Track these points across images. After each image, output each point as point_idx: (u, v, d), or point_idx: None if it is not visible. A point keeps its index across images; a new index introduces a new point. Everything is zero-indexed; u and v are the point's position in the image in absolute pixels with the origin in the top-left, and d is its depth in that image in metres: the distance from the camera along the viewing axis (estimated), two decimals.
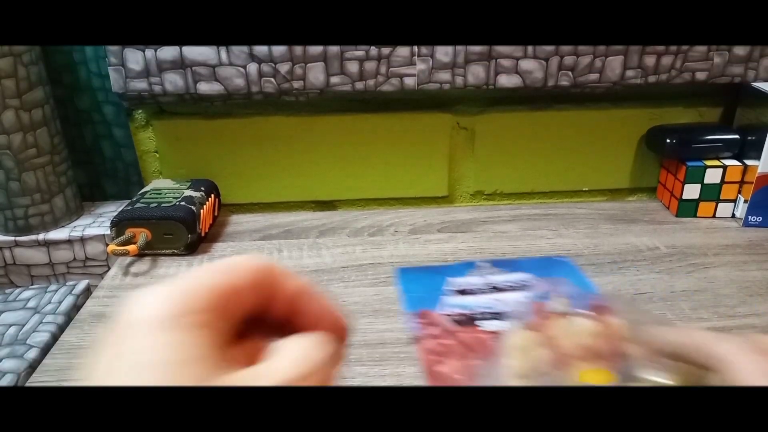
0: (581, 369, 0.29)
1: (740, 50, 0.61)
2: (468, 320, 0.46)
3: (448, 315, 0.47)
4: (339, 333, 0.22)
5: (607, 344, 0.30)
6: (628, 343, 0.30)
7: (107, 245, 0.55)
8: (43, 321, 0.52)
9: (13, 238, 0.59)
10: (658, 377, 0.28)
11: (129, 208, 0.57)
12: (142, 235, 0.55)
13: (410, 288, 0.51)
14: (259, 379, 0.18)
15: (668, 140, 0.62)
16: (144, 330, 0.18)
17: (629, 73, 0.61)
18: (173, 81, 0.59)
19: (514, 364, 0.30)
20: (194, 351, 0.18)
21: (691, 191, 0.62)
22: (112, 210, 0.64)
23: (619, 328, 0.31)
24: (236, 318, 0.20)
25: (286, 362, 0.19)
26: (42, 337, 0.49)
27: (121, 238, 0.55)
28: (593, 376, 0.29)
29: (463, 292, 0.50)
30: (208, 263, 0.22)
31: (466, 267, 0.54)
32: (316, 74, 0.59)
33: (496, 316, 0.46)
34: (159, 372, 0.17)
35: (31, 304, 0.55)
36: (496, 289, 0.50)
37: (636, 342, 0.30)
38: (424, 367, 0.42)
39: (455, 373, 0.41)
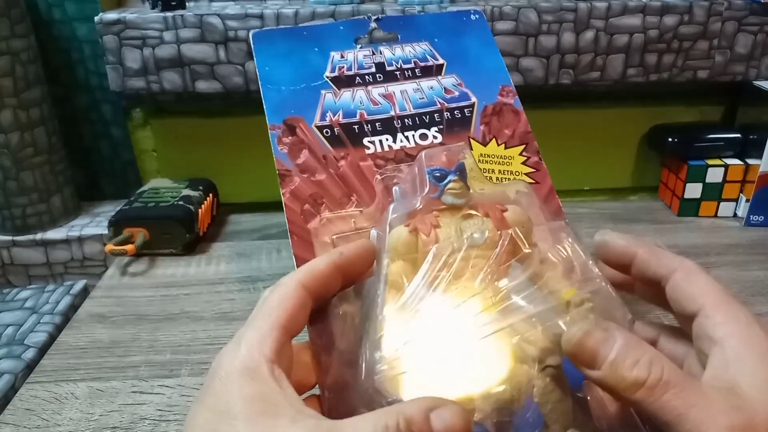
0: (464, 288, 0.23)
1: (742, 48, 0.61)
2: (352, 135, 0.31)
3: (325, 126, 0.31)
4: None
5: (504, 248, 0.23)
6: (526, 243, 0.24)
7: (105, 245, 0.55)
8: (41, 321, 0.51)
9: (10, 238, 0.59)
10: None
11: (127, 207, 0.56)
12: (140, 234, 0.54)
13: (273, 75, 0.32)
14: None
15: (670, 139, 0.62)
16: None
17: (630, 71, 0.61)
18: (171, 79, 0.59)
19: (390, 270, 0.24)
20: None
21: (693, 190, 0.61)
22: (109, 209, 0.64)
23: (517, 224, 0.25)
24: None
25: None
26: (39, 337, 0.49)
27: (119, 237, 0.54)
28: (467, 292, 0.23)
29: (343, 82, 0.33)
30: None
31: (352, 28, 0.36)
32: None
33: (387, 125, 0.32)
34: None
35: (28, 304, 0.54)
36: (386, 76, 0.34)
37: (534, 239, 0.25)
38: (292, 229, 0.29)
39: (337, 234, 0.29)
